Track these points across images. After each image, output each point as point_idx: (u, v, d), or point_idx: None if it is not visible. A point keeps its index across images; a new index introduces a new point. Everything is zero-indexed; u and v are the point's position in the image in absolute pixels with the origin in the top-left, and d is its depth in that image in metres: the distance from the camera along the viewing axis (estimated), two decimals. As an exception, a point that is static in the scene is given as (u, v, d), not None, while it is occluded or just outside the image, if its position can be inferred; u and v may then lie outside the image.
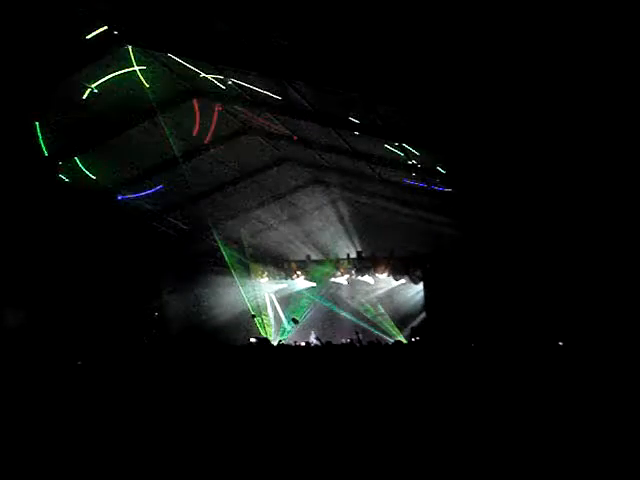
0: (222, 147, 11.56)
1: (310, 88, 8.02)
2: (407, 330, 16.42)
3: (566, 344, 10.82)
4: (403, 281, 17.07)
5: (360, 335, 15.34)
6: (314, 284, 17.76)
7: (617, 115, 5.05)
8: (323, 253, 17.48)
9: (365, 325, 16.93)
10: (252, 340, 12.77)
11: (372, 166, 11.37)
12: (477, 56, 5.14)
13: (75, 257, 10.98)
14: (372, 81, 6.58)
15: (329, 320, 17.52)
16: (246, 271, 16.95)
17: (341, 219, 16.70)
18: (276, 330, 17.83)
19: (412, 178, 11.25)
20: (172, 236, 14.26)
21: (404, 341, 15.50)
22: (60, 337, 9.98)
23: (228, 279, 16.39)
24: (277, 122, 10.54)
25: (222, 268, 16.51)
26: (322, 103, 8.60)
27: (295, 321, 16.05)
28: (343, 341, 14.27)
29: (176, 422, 5.08)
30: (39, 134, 9.13)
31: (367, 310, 17.54)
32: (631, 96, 4.73)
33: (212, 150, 11.50)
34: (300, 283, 17.73)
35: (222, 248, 16.03)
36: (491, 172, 8.56)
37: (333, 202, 16.87)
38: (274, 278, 17.59)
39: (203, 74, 9.05)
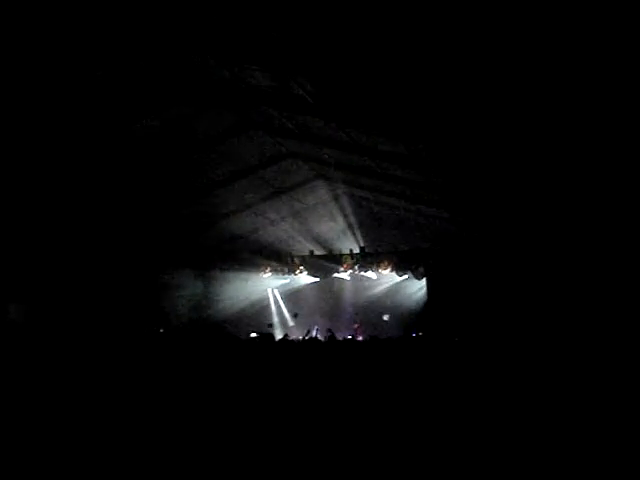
0: (227, 143, 11.52)
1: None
2: (410, 325, 16.43)
3: (568, 339, 10.79)
4: (406, 277, 17.08)
5: (359, 329, 15.37)
6: (317, 279, 17.79)
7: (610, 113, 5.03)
8: (326, 248, 17.50)
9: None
10: (253, 335, 12.82)
11: (376, 161, 11.34)
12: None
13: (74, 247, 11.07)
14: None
15: (331, 314, 17.56)
16: (250, 266, 17.03)
17: (344, 214, 16.70)
18: (279, 324, 17.90)
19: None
20: (177, 229, 14.29)
21: None
22: (56, 327, 10.08)
23: (233, 273, 16.50)
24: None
25: (227, 262, 16.62)
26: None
27: (295, 315, 16.26)
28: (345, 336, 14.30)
29: (176, 414, 5.13)
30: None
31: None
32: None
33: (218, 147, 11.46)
34: (303, 278, 17.78)
35: (226, 242, 16.10)
36: (492, 167, 8.54)
37: (336, 198, 16.86)
38: (277, 273, 17.64)
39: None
